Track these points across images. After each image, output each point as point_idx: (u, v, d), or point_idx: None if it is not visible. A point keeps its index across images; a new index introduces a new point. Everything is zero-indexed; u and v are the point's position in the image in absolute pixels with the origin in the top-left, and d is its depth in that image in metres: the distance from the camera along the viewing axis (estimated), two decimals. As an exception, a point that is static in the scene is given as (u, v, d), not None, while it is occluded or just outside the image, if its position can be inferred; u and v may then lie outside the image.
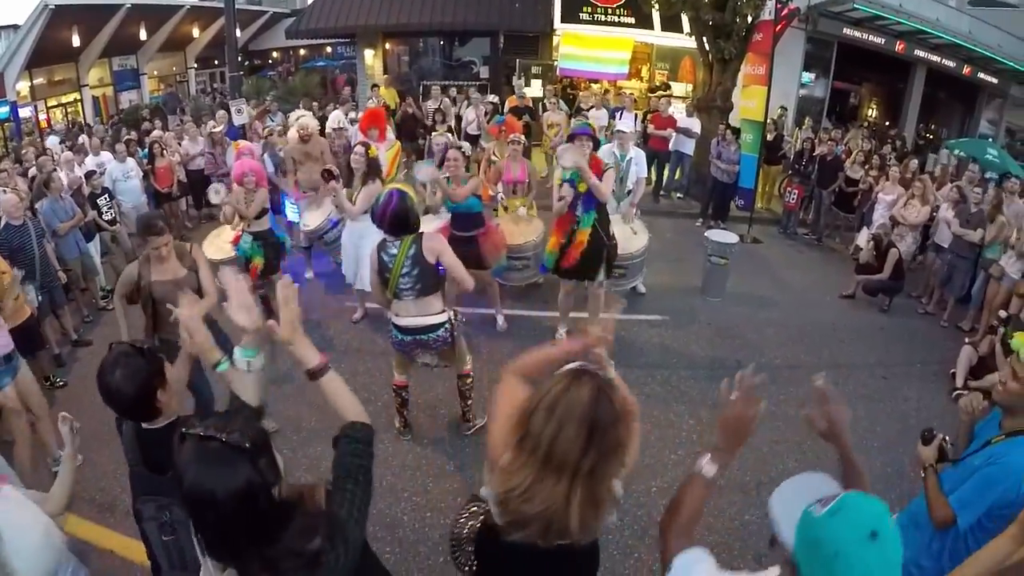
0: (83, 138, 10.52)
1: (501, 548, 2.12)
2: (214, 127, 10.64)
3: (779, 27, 10.94)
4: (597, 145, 6.12)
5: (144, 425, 2.45)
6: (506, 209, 7.58)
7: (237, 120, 11.43)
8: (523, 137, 7.81)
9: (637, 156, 7.42)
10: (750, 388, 1.95)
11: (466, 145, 7.83)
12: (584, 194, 5.73)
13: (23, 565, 2.40)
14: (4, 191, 6.46)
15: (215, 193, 6.71)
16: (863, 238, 9.38)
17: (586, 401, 1.80)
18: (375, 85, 14.78)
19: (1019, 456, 2.55)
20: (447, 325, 4.62)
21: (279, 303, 2.06)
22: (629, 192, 7.44)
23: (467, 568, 2.52)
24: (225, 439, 1.60)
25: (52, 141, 12.41)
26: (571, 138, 6.04)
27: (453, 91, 13.79)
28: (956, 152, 13.87)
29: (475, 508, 2.55)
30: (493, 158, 8.13)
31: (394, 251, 4.41)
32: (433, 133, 9.51)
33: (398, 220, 4.38)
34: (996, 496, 2.55)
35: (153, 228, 4.23)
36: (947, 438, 2.95)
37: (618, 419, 1.83)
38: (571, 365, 1.97)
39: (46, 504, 2.78)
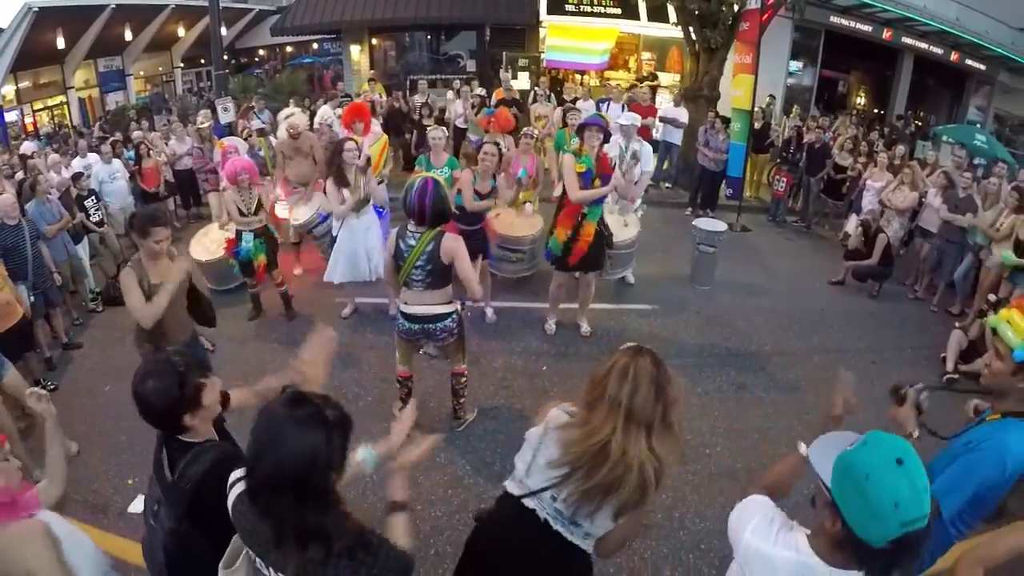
0: (82, 141, 10.45)
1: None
2: (201, 123, 10.63)
3: (766, 16, 10.93)
4: (607, 138, 5.98)
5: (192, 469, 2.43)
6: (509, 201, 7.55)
7: (224, 118, 11.38)
8: (537, 131, 7.75)
9: (644, 150, 7.39)
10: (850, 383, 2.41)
11: (501, 141, 7.69)
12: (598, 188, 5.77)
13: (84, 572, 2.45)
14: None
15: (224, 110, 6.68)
16: (852, 225, 9.41)
17: (650, 364, 2.19)
18: (371, 79, 14.73)
19: (1002, 438, 2.49)
20: (454, 316, 4.62)
21: (397, 434, 2.53)
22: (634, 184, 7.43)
23: None
24: (318, 409, 1.78)
25: (27, 147, 12.18)
26: (581, 128, 5.91)
27: (458, 83, 13.66)
28: (945, 138, 13.92)
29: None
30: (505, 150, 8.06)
31: (412, 242, 4.37)
32: (428, 128, 9.48)
33: (436, 211, 4.31)
34: (978, 482, 2.51)
35: (158, 219, 4.14)
36: (919, 388, 2.76)
37: (672, 380, 2.21)
38: (627, 344, 2.33)
39: (50, 487, 2.78)
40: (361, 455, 2.37)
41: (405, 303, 4.59)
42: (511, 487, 2.47)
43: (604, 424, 2.16)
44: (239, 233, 6.74)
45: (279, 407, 1.77)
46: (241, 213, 6.66)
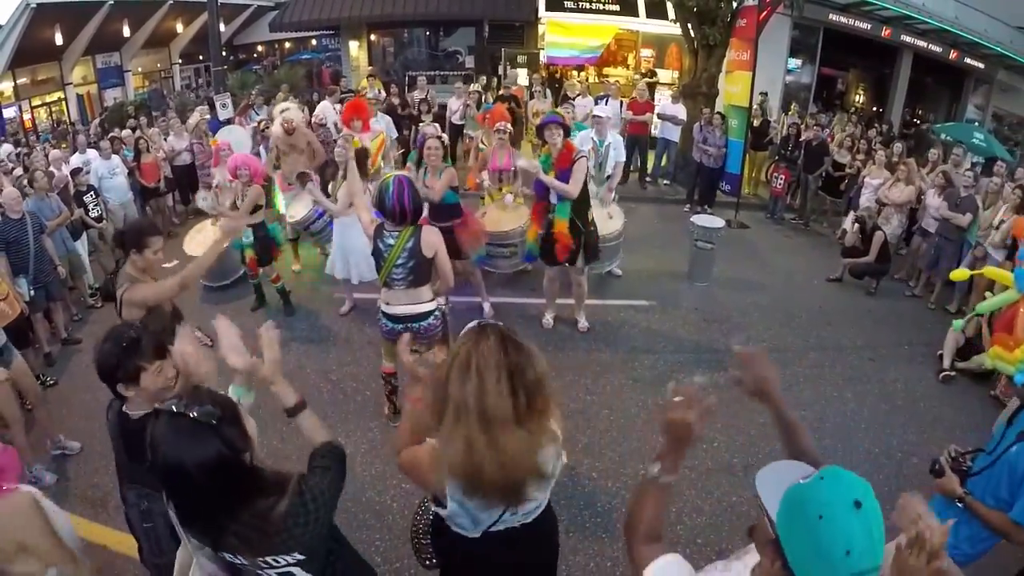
0: (80, 137, 10.42)
1: (452, 538, 2.20)
2: (199, 119, 10.69)
3: (765, 13, 10.94)
4: (567, 132, 6.08)
5: (127, 412, 2.51)
6: (492, 197, 7.59)
7: (222, 115, 11.37)
8: (509, 126, 7.81)
9: (615, 141, 7.53)
10: (692, 393, 1.88)
11: (443, 136, 7.80)
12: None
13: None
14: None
15: (202, 200, 6.70)
16: (850, 222, 9.42)
17: (494, 346, 1.84)
18: (370, 75, 14.73)
19: None
20: (436, 313, 4.63)
21: (263, 345, 2.26)
22: (608, 177, 7.54)
23: (428, 561, 2.56)
24: (194, 416, 1.71)
25: (5, 150, 12.02)
26: (540, 128, 6.02)
27: (460, 84, 13.60)
28: (943, 136, 13.93)
29: (426, 502, 2.60)
30: (481, 146, 8.13)
31: (391, 241, 4.37)
32: (420, 124, 9.51)
33: (415, 208, 4.33)
34: None
35: (151, 228, 4.00)
36: (952, 451, 2.84)
37: (531, 356, 1.89)
38: (469, 325, 2.01)
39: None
40: (232, 395, 2.28)
41: (387, 303, 4.61)
42: (472, 534, 2.19)
43: (453, 438, 1.85)
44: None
45: (163, 436, 1.72)
46: (236, 208, 6.68)
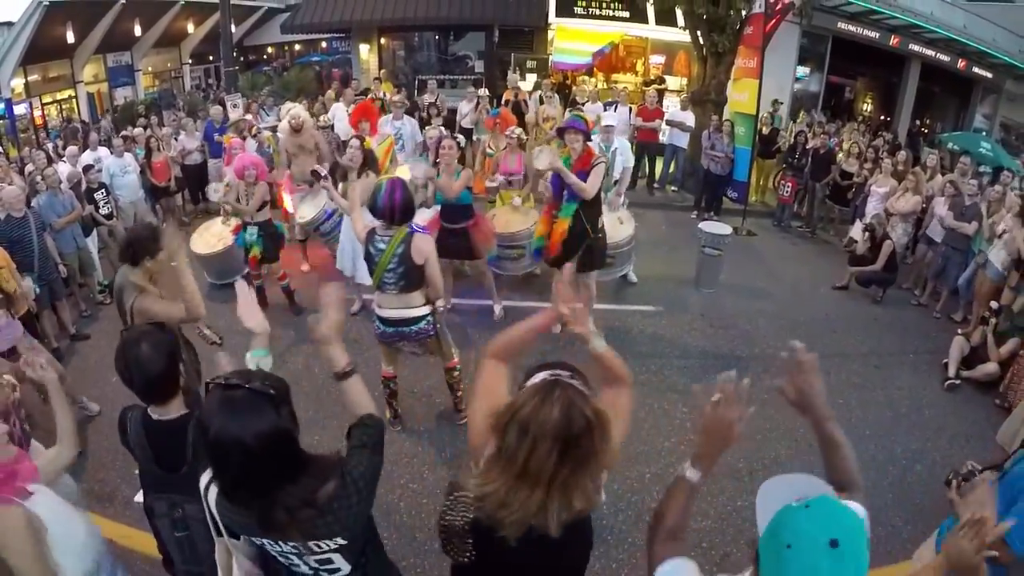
0: (93, 135, 10.49)
1: (497, 538, 2.19)
2: (241, 116, 10.76)
3: (774, 21, 10.96)
4: (588, 137, 6.02)
5: (155, 417, 2.44)
6: (502, 200, 7.64)
7: (233, 115, 11.43)
8: (520, 130, 7.86)
9: (622, 147, 7.60)
10: (733, 393, 1.89)
11: (460, 137, 7.85)
12: (569, 186, 5.79)
13: (67, 562, 2.43)
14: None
15: (214, 192, 6.75)
16: (857, 230, 9.42)
17: (557, 418, 1.78)
18: (377, 78, 14.79)
19: None
20: (429, 318, 4.65)
21: (327, 304, 2.27)
22: (616, 183, 7.58)
23: (466, 557, 2.55)
24: (249, 386, 1.72)
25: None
26: (561, 131, 5.97)
27: (472, 88, 13.64)
28: (949, 145, 13.93)
29: (464, 498, 2.60)
30: (489, 150, 8.17)
31: (382, 246, 4.41)
32: (427, 127, 9.53)
33: (407, 208, 4.38)
34: None
35: (159, 232, 3.90)
36: (969, 466, 2.76)
37: (591, 428, 1.81)
38: (541, 375, 1.97)
39: (62, 451, 2.79)
40: (251, 360, 2.28)
41: (379, 306, 4.65)
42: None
43: (497, 478, 1.87)
44: (244, 225, 6.83)
45: (218, 405, 1.73)
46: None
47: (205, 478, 1.99)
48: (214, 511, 1.98)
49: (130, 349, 2.33)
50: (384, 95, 12.95)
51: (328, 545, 1.87)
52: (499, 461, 1.88)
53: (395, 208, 4.33)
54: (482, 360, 2.37)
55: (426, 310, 4.62)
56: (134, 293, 3.66)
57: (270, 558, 1.98)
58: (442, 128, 7.52)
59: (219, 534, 2.10)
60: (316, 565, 1.95)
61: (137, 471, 2.79)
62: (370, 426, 2.07)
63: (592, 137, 6.28)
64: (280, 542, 1.87)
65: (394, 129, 9.24)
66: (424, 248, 4.40)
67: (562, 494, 1.83)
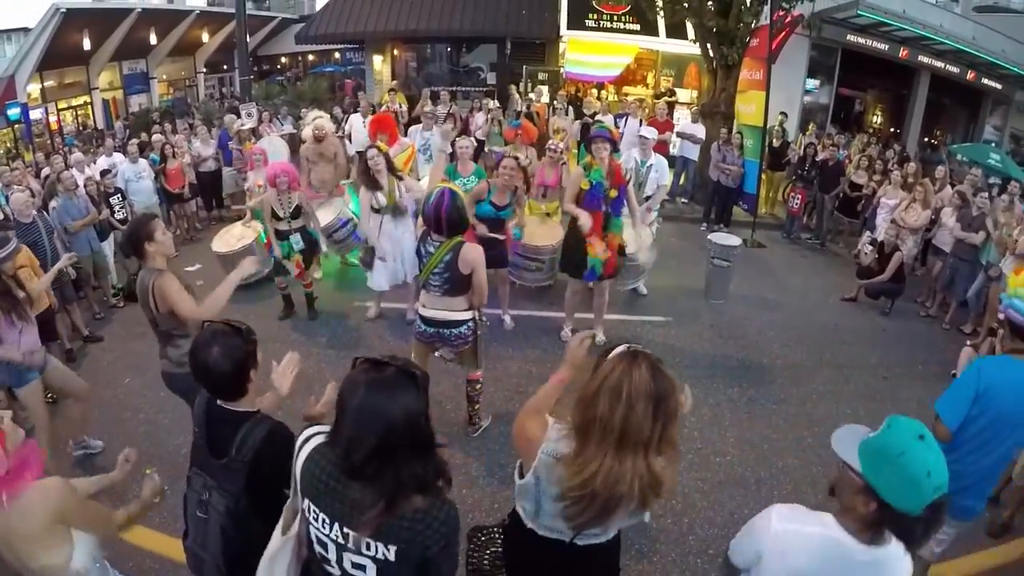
0: (108, 140, 10.66)
1: (535, 556, 2.33)
2: (242, 125, 10.87)
3: (784, 33, 11.02)
4: (615, 147, 6.04)
5: (219, 403, 2.49)
6: (531, 210, 7.65)
7: (247, 124, 11.56)
8: (562, 144, 7.86)
9: (658, 163, 7.55)
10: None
11: (521, 156, 7.73)
12: (614, 200, 5.83)
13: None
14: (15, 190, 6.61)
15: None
16: (866, 243, 9.43)
17: (649, 378, 1.95)
18: (392, 89, 14.91)
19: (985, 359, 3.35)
20: (469, 324, 4.67)
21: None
22: (648, 198, 7.57)
23: None
24: (400, 366, 1.83)
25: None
26: (590, 141, 5.96)
27: (487, 101, 13.70)
28: (959, 156, 13.92)
29: (483, 537, 2.73)
30: (523, 162, 8.14)
31: (432, 249, 4.47)
32: (459, 138, 9.60)
33: (452, 221, 4.39)
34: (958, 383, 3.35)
35: (152, 217, 3.91)
36: None
37: (674, 388, 2.02)
38: (619, 348, 2.10)
39: None
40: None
41: (423, 305, 4.68)
42: (529, 523, 2.34)
43: (595, 456, 1.99)
44: (283, 234, 6.78)
45: (365, 376, 1.82)
46: (276, 216, 6.73)
47: (307, 436, 2.02)
48: (298, 472, 1.99)
49: (201, 350, 2.37)
50: (399, 106, 13.05)
51: (378, 549, 1.85)
52: (592, 437, 2.00)
53: (440, 219, 4.37)
54: (521, 418, 2.39)
55: (468, 315, 4.64)
56: (154, 272, 3.68)
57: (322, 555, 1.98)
58: (471, 139, 7.55)
59: (283, 531, 2.17)
60: (349, 568, 1.92)
61: (148, 471, 2.86)
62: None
63: (618, 148, 6.29)
64: (340, 524, 1.88)
65: (422, 140, 9.30)
66: (471, 258, 4.42)
67: (657, 452, 2.01)
